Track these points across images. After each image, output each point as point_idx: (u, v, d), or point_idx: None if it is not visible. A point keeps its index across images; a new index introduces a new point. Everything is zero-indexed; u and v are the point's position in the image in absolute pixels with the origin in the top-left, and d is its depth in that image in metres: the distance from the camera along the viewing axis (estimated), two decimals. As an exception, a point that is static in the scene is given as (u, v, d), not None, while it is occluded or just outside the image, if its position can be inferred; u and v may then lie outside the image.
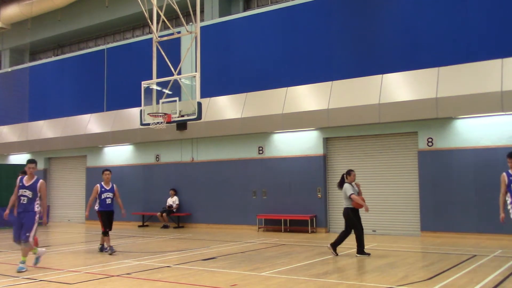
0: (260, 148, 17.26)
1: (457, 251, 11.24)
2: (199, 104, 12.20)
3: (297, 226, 16.18)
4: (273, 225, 16.68)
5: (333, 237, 14.71)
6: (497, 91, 12.89)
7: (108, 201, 11.81)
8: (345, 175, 11.13)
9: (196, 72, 12.67)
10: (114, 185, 12.13)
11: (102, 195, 11.78)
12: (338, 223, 15.90)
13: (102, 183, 11.93)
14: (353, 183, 11.04)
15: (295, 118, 15.97)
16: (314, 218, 15.95)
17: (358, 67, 15.53)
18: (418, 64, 14.46)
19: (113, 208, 11.98)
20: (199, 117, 12.28)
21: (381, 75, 14.90)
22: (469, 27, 14.01)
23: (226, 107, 17.58)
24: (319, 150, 16.15)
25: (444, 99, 13.58)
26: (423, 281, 7.92)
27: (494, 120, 13.51)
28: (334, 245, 10.95)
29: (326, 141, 16.25)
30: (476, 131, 13.75)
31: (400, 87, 14.60)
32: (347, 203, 10.92)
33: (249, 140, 17.50)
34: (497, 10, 13.73)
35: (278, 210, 16.63)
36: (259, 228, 16.80)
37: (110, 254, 11.35)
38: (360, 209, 10.99)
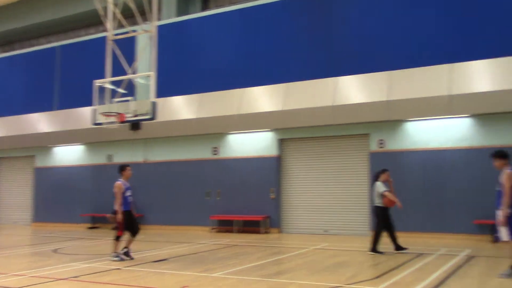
0: (215, 149, 17.20)
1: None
2: (154, 104, 12.02)
3: (250, 227, 16.21)
4: (226, 226, 16.65)
5: (286, 237, 14.91)
6: (445, 95, 13.30)
7: (131, 199, 10.70)
8: (378, 174, 11.32)
9: (151, 71, 12.50)
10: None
11: (126, 192, 10.52)
12: (291, 223, 16.05)
13: (122, 179, 10.63)
14: (386, 182, 11.22)
15: (250, 119, 16.00)
16: (267, 219, 16.02)
17: (313, 69, 15.71)
18: (371, 67, 14.76)
19: None
20: (154, 117, 12.09)
21: (335, 77, 15.13)
22: (420, 33, 14.41)
23: (181, 107, 17.43)
24: (273, 151, 16.24)
25: (395, 102, 13.92)
26: (371, 279, 8.08)
27: (442, 123, 13.95)
28: (374, 248, 10.98)
29: (281, 142, 16.36)
30: (425, 133, 14.15)
31: (353, 89, 14.86)
32: (377, 201, 11.11)
33: (204, 141, 17.41)
34: (445, 18, 14.17)
35: (232, 211, 16.62)
36: (212, 229, 16.74)
37: (120, 260, 10.27)
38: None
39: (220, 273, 8.83)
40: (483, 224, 12.98)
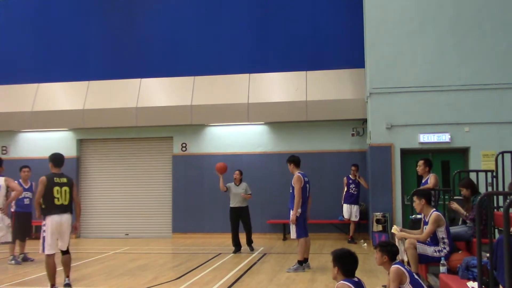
0: (4, 148, 15.62)
1: (204, 250, 11.93)
2: None
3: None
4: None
5: (84, 242, 14.24)
6: (244, 103, 14.14)
7: (26, 201, 10.79)
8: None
9: None
10: (33, 183, 10.86)
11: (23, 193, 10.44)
12: (90, 227, 15.38)
13: (20, 180, 10.82)
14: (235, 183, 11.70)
15: (46, 116, 14.91)
16: (64, 224, 15.07)
17: (116, 68, 15.31)
18: (176, 71, 14.96)
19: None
20: None
21: (139, 79, 14.98)
22: (222, 42, 15.09)
23: (-38, 100, 15.42)
24: (72, 152, 15.37)
25: (198, 107, 14.33)
26: (172, 281, 8.20)
27: (240, 129, 14.79)
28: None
29: (80, 142, 15.59)
30: (225, 138, 14.84)
31: (157, 92, 14.89)
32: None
33: (-9, 139, 15.68)
34: (246, 31, 15.09)
35: (23, 216, 15.22)
36: (-1, 236, 15.12)
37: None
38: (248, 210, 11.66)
39: (8, 284, 8.07)
40: (275, 223, 14.10)
